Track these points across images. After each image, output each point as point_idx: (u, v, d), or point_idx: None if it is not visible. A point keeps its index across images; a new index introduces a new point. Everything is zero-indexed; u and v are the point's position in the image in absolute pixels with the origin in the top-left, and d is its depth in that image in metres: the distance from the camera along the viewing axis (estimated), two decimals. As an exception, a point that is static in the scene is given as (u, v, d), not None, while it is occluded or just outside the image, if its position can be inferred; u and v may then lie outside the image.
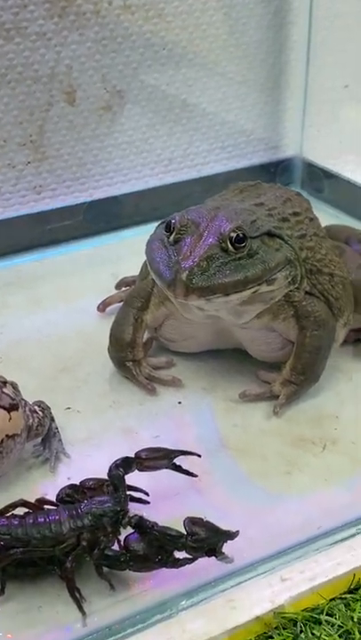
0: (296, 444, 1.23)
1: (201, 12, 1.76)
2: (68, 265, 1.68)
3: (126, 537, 0.99)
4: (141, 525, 0.98)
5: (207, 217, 1.21)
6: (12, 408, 1.12)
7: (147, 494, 1.10)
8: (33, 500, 1.06)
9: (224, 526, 1.01)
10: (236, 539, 1.00)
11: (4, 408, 1.11)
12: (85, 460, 1.19)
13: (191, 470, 1.13)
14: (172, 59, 1.76)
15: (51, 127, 1.68)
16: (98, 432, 1.24)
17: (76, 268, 1.67)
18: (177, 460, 1.11)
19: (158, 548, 0.98)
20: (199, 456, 1.12)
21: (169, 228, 1.20)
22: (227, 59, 1.83)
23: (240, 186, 1.43)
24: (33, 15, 1.58)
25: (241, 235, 1.18)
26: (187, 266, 1.15)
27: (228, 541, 1.00)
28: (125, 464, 1.06)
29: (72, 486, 1.06)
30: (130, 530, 1.00)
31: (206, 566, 1.01)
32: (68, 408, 1.28)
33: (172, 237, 1.20)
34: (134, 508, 1.08)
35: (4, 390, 1.13)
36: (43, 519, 0.99)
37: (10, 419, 1.11)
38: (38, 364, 1.38)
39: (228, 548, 1.00)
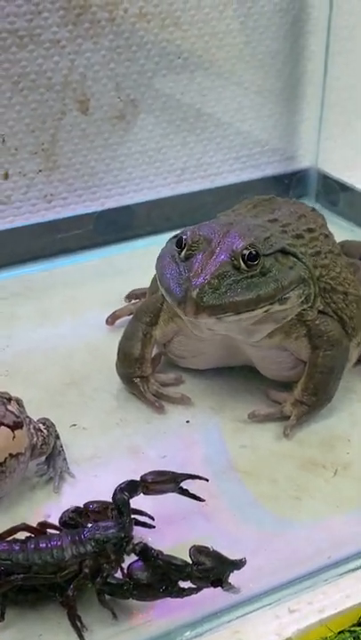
0: (307, 468, 1.20)
1: (218, 21, 1.73)
2: (77, 275, 1.66)
3: (130, 565, 0.96)
4: (146, 554, 0.95)
5: (219, 233, 1.18)
6: (15, 426, 1.09)
7: (152, 518, 1.07)
8: (35, 522, 1.03)
9: (231, 553, 0.98)
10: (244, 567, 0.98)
11: (8, 426, 1.08)
12: (91, 481, 1.16)
13: (198, 493, 1.10)
14: (188, 67, 1.73)
15: (63, 136, 1.65)
16: (104, 450, 1.22)
17: (85, 279, 1.64)
18: (184, 484, 1.09)
19: (163, 577, 0.95)
20: (207, 480, 1.10)
21: (180, 244, 1.17)
22: (243, 68, 1.80)
23: (254, 200, 1.40)
24: (47, 22, 1.56)
25: (254, 252, 1.15)
26: (197, 283, 1.12)
27: (237, 570, 0.98)
28: (131, 488, 1.03)
29: (76, 509, 1.04)
30: (134, 557, 0.97)
31: (212, 596, 0.98)
32: (74, 425, 1.26)
33: (183, 254, 1.17)
34: (139, 533, 1.06)
35: (9, 407, 1.11)
36: (45, 544, 0.96)
37: (14, 437, 1.08)
38: (45, 378, 1.36)
39: (234, 577, 0.98)
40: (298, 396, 1.26)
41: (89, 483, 1.15)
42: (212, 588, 0.97)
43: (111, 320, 1.48)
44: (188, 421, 1.28)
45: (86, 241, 1.73)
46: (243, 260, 1.14)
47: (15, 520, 1.05)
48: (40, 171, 1.66)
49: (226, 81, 1.79)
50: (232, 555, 0.98)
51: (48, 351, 1.42)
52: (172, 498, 1.09)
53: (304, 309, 1.24)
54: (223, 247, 1.16)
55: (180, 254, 1.17)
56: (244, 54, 1.79)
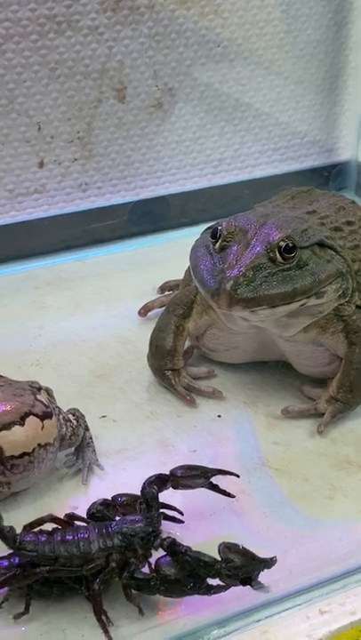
0: (341, 467, 1.17)
1: (258, 9, 1.70)
2: (110, 266, 1.64)
3: (158, 560, 0.94)
4: (174, 549, 0.93)
5: (255, 224, 1.15)
6: (45, 416, 1.08)
7: (181, 513, 1.05)
8: (62, 514, 1.01)
9: (261, 552, 0.96)
10: (275, 566, 0.96)
11: (37, 416, 1.07)
12: (119, 474, 1.14)
13: (229, 489, 1.08)
14: (227, 56, 1.70)
15: (99, 124, 1.63)
16: (133, 444, 1.20)
17: (118, 270, 1.63)
18: (214, 479, 1.06)
19: (191, 574, 0.93)
20: (238, 476, 1.07)
21: (215, 235, 1.15)
22: (283, 58, 1.77)
23: (292, 192, 1.37)
24: (85, 9, 1.54)
25: (290, 244, 1.12)
26: (232, 275, 1.09)
27: (268, 569, 0.95)
28: (160, 482, 1.01)
29: (104, 502, 1.02)
30: (161, 552, 0.95)
31: (240, 595, 0.96)
32: (104, 416, 1.24)
33: (217, 245, 1.14)
34: (168, 528, 1.04)
35: (38, 397, 1.09)
36: (71, 537, 0.94)
37: (42, 427, 1.07)
38: (76, 369, 1.34)
39: (264, 576, 0.96)
40: (333, 393, 1.23)
41: (117, 476, 1.14)
42: (240, 587, 0.94)
43: (143, 311, 1.46)
44: (219, 416, 1.25)
45: (120, 231, 1.71)
46: (279, 252, 1.12)
47: (42, 511, 1.03)
48: (75, 159, 1.64)
49: (265, 70, 1.76)
50: (262, 553, 0.96)
51: (79, 342, 1.40)
52: (201, 493, 1.07)
53: (341, 304, 1.20)
54: (259, 239, 1.13)
55: (214, 245, 1.15)
56: (285, 43, 1.76)
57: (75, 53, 1.56)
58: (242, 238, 1.14)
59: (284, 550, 1.02)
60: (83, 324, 1.45)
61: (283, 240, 1.12)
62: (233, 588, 0.95)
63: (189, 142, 1.74)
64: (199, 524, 1.06)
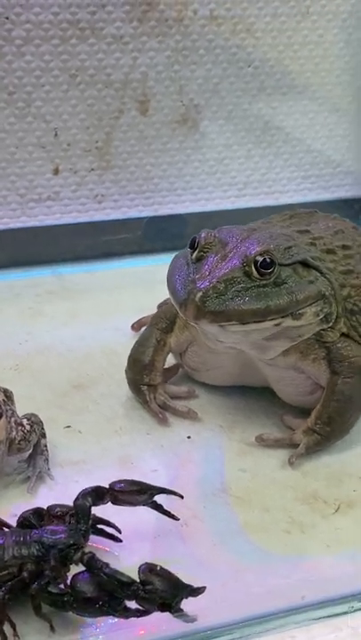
0: (306, 501, 1.09)
1: (294, 32, 1.65)
2: (117, 280, 1.60)
3: (74, 575, 0.88)
4: (91, 564, 0.87)
5: (238, 237, 1.10)
6: (-8, 416, 1.03)
7: (119, 531, 0.99)
8: (-1, 520, 0.96)
9: (197, 580, 0.89)
10: (205, 595, 0.89)
11: (-16, 415, 1.02)
12: (70, 485, 1.08)
13: (180, 513, 1.02)
14: (258, 77, 1.66)
15: (119, 135, 1.60)
16: (93, 457, 1.14)
17: (124, 285, 1.58)
18: (170, 499, 1.00)
19: (109, 593, 0.87)
20: (181, 497, 1.01)
21: (193, 245, 1.10)
22: (318, 83, 1.71)
23: (293, 212, 1.31)
24: (110, 17, 1.52)
25: (268, 259, 1.06)
26: (202, 286, 1.04)
27: (193, 597, 0.88)
28: (95, 494, 0.96)
29: (37, 510, 0.97)
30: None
31: (164, 621, 0.89)
32: (68, 427, 1.19)
33: (194, 255, 1.09)
34: (104, 545, 0.98)
35: (-10, 397, 1.05)
36: (-15, 541, 0.89)
37: (-13, 427, 1.02)
38: (54, 377, 1.30)
39: (191, 604, 0.88)
40: (311, 424, 1.16)
41: (67, 487, 1.08)
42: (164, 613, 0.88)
43: (137, 326, 1.41)
44: (189, 437, 1.19)
45: (133, 246, 1.67)
46: (255, 266, 1.06)
47: (-20, 516, 0.99)
48: (92, 169, 1.61)
49: (299, 95, 1.71)
50: (197, 581, 0.89)
51: (64, 351, 1.36)
52: (151, 513, 1.01)
53: (324, 329, 1.13)
54: (237, 252, 1.08)
55: (191, 255, 1.10)
56: (321, 69, 1.70)
57: (97, 61, 1.54)
58: (220, 250, 1.09)
59: (224, 581, 0.96)
60: (72, 334, 1.41)
61: (260, 254, 1.06)
62: (156, 614, 0.88)
63: (213, 162, 1.70)
64: (140, 546, 1.00)
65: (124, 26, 1.53)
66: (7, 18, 1.44)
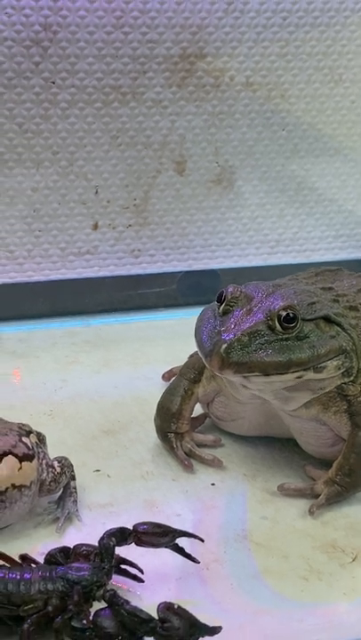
0: (324, 550, 1.13)
1: (327, 98, 1.72)
2: (151, 332, 1.65)
3: (97, 611, 0.93)
4: (112, 601, 0.91)
5: (263, 293, 1.15)
6: (25, 458, 1.08)
7: (141, 571, 1.03)
8: (26, 557, 1.01)
9: (214, 621, 0.93)
10: (222, 636, 0.92)
11: (17, 456, 1.08)
12: (97, 527, 1.12)
13: (202, 557, 1.06)
14: (291, 140, 1.73)
15: (156, 194, 1.67)
16: (119, 500, 1.19)
17: (158, 337, 1.64)
18: (192, 543, 1.04)
19: (129, 630, 0.91)
20: (202, 540, 1.05)
21: (220, 299, 1.15)
22: (350, 147, 1.77)
23: (319, 269, 1.36)
24: (151, 82, 1.59)
25: (292, 314, 1.11)
26: (227, 338, 1.09)
27: (209, 637, 0.92)
28: (120, 535, 1.00)
29: (63, 549, 1.01)
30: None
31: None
32: (98, 470, 1.24)
33: (221, 308, 1.15)
34: (128, 585, 1.02)
35: (23, 439, 1.10)
36: (14, 575, 0.94)
37: (20, 468, 1.07)
38: (86, 422, 1.35)
39: (208, 645, 0.92)
40: (331, 475, 1.20)
41: (95, 529, 1.12)
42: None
43: (167, 375, 1.46)
44: (213, 484, 1.23)
45: (168, 299, 1.73)
46: (279, 320, 1.11)
47: (10, 553, 1.03)
48: (130, 225, 1.68)
49: (331, 157, 1.77)
50: (214, 622, 0.93)
51: (97, 398, 1.42)
52: (174, 556, 1.05)
53: (345, 383, 1.18)
54: (262, 307, 1.13)
55: (218, 309, 1.15)
56: (353, 133, 1.76)
57: (137, 124, 1.61)
58: (245, 304, 1.14)
59: (241, 624, 0.99)
60: (105, 382, 1.47)
61: (284, 309, 1.11)
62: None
63: (247, 220, 1.76)
64: (162, 586, 1.04)
65: (163, 91, 1.61)
66: (53, 82, 1.53)
